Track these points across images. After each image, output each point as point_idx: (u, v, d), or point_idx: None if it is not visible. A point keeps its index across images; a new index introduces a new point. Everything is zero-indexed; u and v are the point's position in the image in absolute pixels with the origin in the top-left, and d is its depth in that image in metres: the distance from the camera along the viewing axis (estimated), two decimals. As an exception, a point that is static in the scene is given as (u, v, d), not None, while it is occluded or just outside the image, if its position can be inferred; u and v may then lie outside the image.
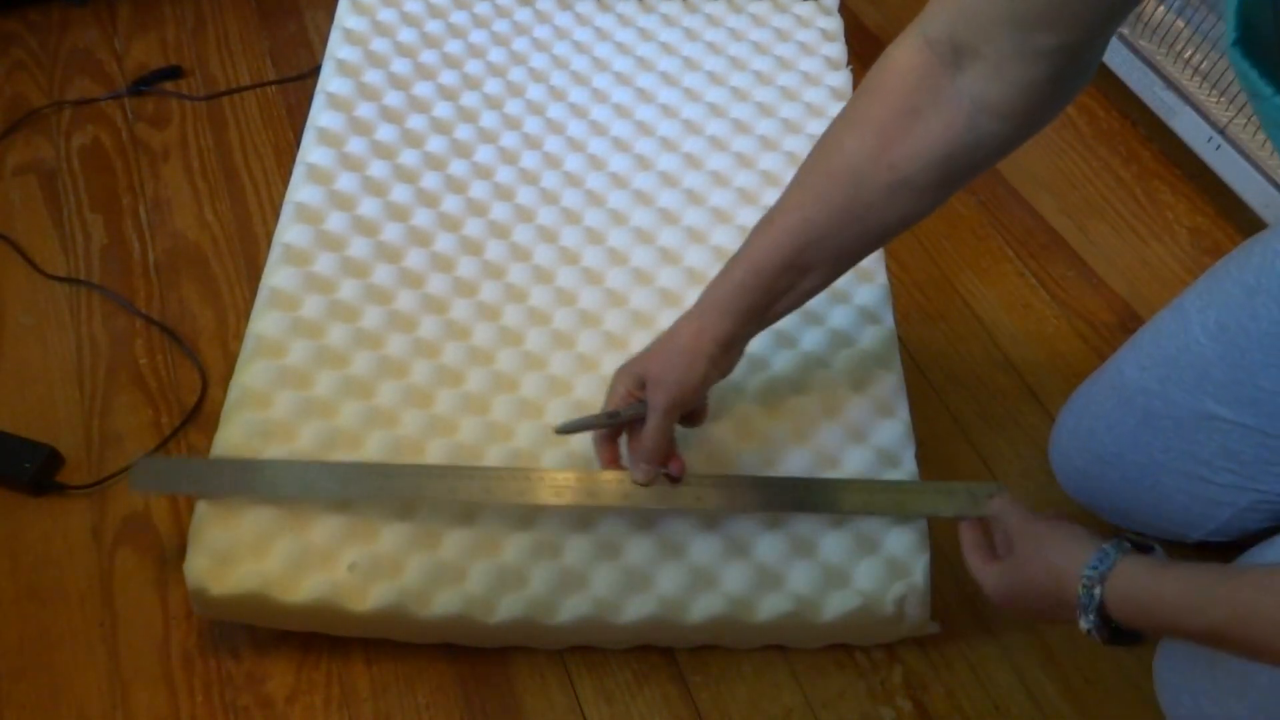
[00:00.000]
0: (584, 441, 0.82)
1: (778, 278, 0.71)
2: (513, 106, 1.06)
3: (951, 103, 0.65)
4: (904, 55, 0.66)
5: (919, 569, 0.77)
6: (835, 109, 1.05)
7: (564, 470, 0.78)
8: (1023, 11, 0.60)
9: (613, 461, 0.76)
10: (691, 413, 0.77)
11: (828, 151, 0.70)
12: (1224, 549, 0.78)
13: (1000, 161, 0.69)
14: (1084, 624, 0.62)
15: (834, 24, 1.15)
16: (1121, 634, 0.61)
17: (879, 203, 0.68)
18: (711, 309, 0.73)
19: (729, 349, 0.74)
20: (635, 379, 0.74)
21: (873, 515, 0.78)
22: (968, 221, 1.12)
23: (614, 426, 0.75)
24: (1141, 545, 0.62)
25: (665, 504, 0.75)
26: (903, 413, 0.86)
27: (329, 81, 1.03)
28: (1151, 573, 0.59)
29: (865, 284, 0.93)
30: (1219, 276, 0.73)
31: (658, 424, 0.72)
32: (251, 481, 0.76)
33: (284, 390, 0.81)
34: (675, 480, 0.75)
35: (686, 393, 0.72)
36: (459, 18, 1.13)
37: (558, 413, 0.84)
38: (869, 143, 0.67)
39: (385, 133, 1.00)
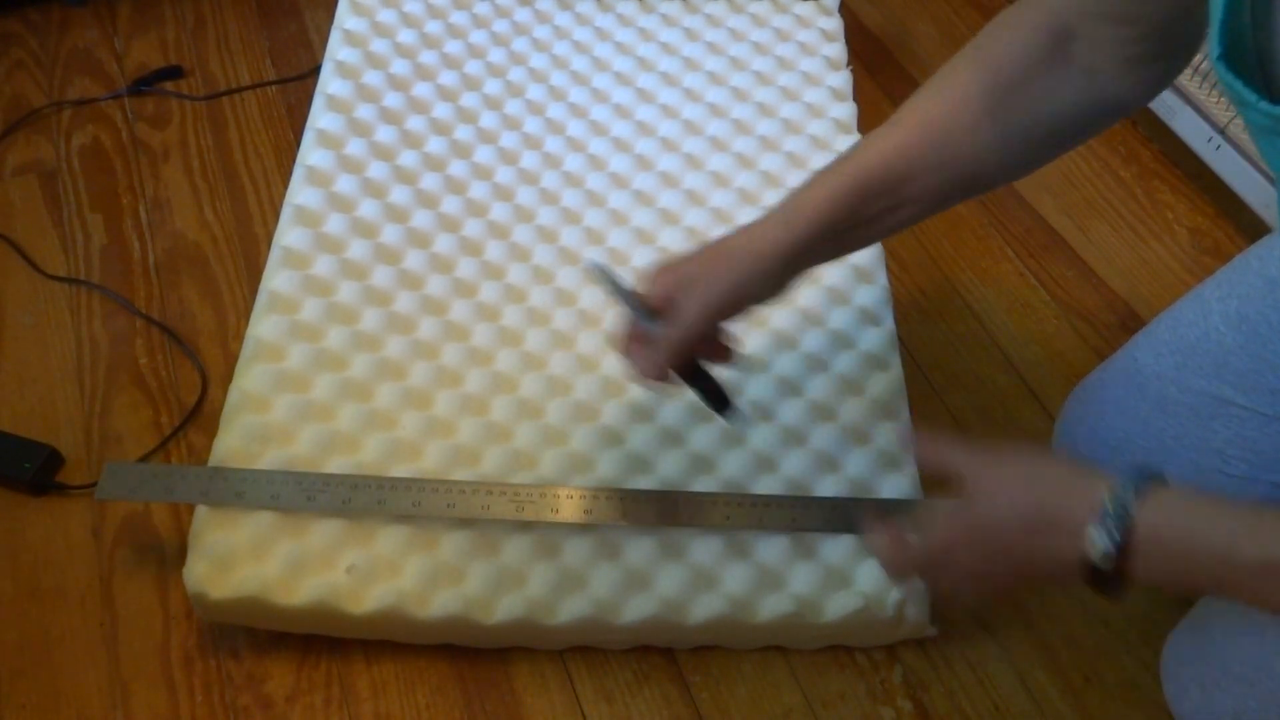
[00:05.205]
0: (583, 443, 0.82)
1: (875, 198, 0.66)
2: (512, 107, 1.06)
3: (1063, 66, 0.65)
4: (1024, 15, 0.67)
5: (919, 570, 0.77)
6: (836, 110, 1.05)
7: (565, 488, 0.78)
8: (1102, 7, 0.62)
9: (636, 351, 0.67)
10: (716, 344, 0.69)
11: (944, 82, 0.68)
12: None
13: (1114, 125, 0.69)
14: (1094, 537, 0.52)
15: (834, 24, 1.15)
16: (1108, 580, 0.53)
17: (985, 144, 0.66)
18: (794, 211, 0.65)
19: (788, 264, 0.66)
20: (677, 281, 0.66)
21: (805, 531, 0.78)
22: (968, 221, 1.12)
23: (636, 319, 0.67)
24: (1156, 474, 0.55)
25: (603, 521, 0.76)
26: (903, 415, 0.86)
27: (328, 83, 1.03)
28: (1188, 501, 0.53)
29: (865, 285, 0.93)
30: (1239, 268, 0.73)
31: (679, 332, 0.65)
32: (218, 491, 0.76)
33: (283, 393, 0.82)
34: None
35: (724, 301, 0.65)
36: (458, 18, 1.13)
37: (557, 413, 0.84)
38: (986, 78, 0.66)
39: (384, 134, 1.00)
